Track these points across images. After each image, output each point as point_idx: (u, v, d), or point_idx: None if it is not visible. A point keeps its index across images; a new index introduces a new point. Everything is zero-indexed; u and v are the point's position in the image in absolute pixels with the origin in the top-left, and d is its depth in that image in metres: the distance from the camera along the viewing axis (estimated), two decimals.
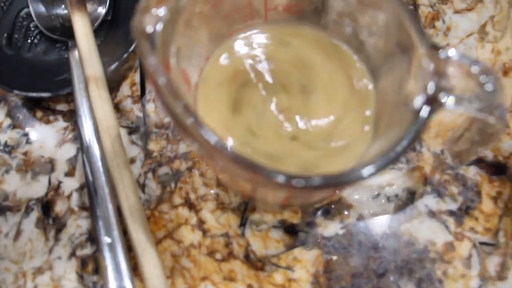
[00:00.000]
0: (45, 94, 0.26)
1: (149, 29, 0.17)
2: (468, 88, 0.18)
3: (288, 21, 0.22)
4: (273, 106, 0.20)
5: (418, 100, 0.16)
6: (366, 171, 0.15)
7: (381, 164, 0.15)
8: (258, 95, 0.20)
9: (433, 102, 0.16)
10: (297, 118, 0.20)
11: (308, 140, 0.20)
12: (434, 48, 0.17)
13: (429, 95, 0.16)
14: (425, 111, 0.16)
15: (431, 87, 0.16)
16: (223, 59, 0.21)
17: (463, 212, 0.24)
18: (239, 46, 0.21)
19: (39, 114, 0.27)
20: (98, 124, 0.24)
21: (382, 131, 0.19)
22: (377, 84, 0.21)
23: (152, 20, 0.17)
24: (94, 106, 0.24)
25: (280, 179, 0.14)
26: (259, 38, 0.22)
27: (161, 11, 0.17)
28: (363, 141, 0.20)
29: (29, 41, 0.29)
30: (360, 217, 0.24)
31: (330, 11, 0.21)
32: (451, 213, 0.24)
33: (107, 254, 0.22)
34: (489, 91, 0.17)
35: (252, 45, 0.21)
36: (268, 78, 0.21)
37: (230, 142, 0.19)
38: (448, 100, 0.16)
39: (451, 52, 0.17)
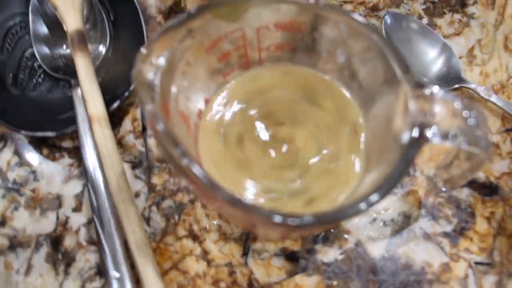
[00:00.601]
0: (50, 134, 0.27)
1: (150, 76, 0.18)
2: (453, 122, 0.19)
3: (281, 60, 0.23)
4: (269, 143, 0.22)
5: (405, 136, 0.18)
6: (357, 208, 0.16)
7: (371, 202, 0.16)
8: (255, 133, 0.22)
9: (420, 138, 0.18)
10: (292, 153, 0.21)
11: (303, 173, 0.21)
12: (419, 86, 0.18)
13: (414, 132, 0.17)
14: (411, 147, 0.17)
15: (416, 124, 0.18)
16: (221, 100, 0.23)
17: (458, 233, 0.25)
18: (236, 86, 0.23)
19: (45, 151, 0.29)
20: (102, 161, 0.25)
21: (373, 163, 0.21)
22: (368, 119, 0.22)
23: (151, 69, 0.18)
24: (98, 144, 0.25)
25: (276, 219, 0.16)
26: (255, 77, 0.23)
27: (161, 61, 0.18)
28: (356, 173, 0.21)
29: (33, 80, 0.30)
30: (358, 242, 0.25)
31: (320, 48, 0.23)
32: (446, 234, 0.25)
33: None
34: (472, 125, 0.18)
35: (247, 85, 0.23)
36: (264, 116, 0.22)
37: (229, 183, 0.20)
38: (434, 136, 0.18)
39: (435, 89, 0.18)
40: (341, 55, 0.22)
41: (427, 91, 0.18)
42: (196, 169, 0.16)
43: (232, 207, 0.16)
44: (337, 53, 0.23)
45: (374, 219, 0.26)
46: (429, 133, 0.18)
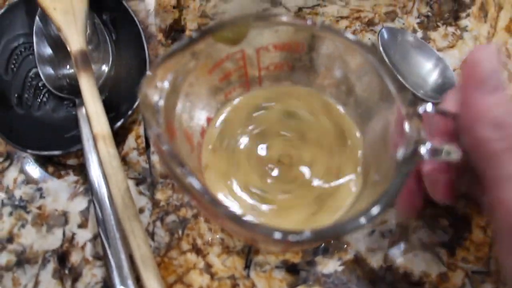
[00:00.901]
0: (56, 152, 0.29)
1: (155, 99, 0.19)
2: (446, 138, 0.20)
3: (280, 79, 0.25)
4: (269, 161, 0.23)
5: (400, 153, 0.19)
6: (356, 223, 0.17)
7: (369, 218, 0.17)
8: (256, 151, 0.23)
9: (413, 154, 0.19)
10: (291, 171, 0.23)
11: (302, 190, 0.22)
12: (413, 104, 0.20)
13: (409, 148, 0.19)
14: (406, 164, 0.19)
15: (411, 140, 0.19)
16: (223, 119, 0.24)
17: (455, 243, 0.26)
18: (237, 105, 0.24)
19: (50, 169, 0.30)
20: (107, 179, 0.26)
21: (371, 179, 0.22)
22: (365, 135, 0.23)
23: (157, 92, 0.20)
24: (103, 162, 0.26)
25: (277, 236, 0.17)
26: (255, 96, 0.24)
27: (165, 84, 0.20)
28: (353, 189, 0.22)
29: (38, 100, 0.31)
30: (358, 253, 0.26)
31: (317, 67, 0.24)
32: (443, 244, 0.26)
33: None
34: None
35: (248, 104, 0.24)
36: (264, 135, 0.24)
37: (231, 199, 0.22)
38: (427, 153, 0.19)
39: (429, 107, 0.20)
40: (338, 73, 0.24)
41: (421, 109, 0.19)
42: (199, 188, 0.17)
43: (234, 224, 0.17)
44: (334, 71, 0.24)
45: (373, 231, 0.27)
46: (422, 149, 0.19)
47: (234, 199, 0.22)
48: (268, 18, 0.21)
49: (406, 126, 0.19)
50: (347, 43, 0.22)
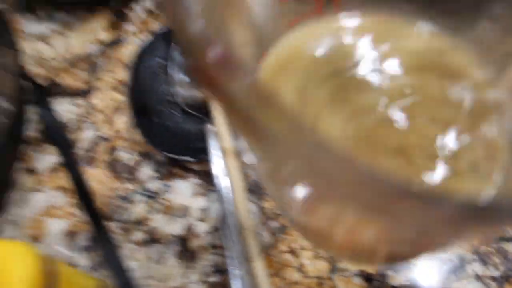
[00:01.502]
0: (186, 158, 0.38)
1: None
2: None
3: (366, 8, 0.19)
4: (365, 106, 0.19)
5: None
6: None
7: None
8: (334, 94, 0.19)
9: None
10: (400, 120, 0.18)
11: (417, 154, 0.18)
12: None
13: None
14: None
15: None
16: (281, 55, 0.19)
17: (504, 279, 0.34)
18: (302, 38, 0.19)
19: (177, 171, 0.39)
20: (231, 186, 0.35)
21: None
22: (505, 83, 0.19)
23: None
24: (229, 173, 0.35)
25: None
26: (329, 28, 0.19)
27: None
28: (497, 157, 0.19)
29: (171, 112, 0.41)
30: (420, 273, 0.34)
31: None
32: (493, 278, 0.34)
33: (234, 282, 0.33)
34: None
35: (321, 37, 0.19)
36: (352, 71, 0.19)
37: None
38: None
39: None
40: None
41: None
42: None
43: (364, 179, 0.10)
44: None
45: (435, 258, 0.35)
46: None
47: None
48: None
49: None
50: None
